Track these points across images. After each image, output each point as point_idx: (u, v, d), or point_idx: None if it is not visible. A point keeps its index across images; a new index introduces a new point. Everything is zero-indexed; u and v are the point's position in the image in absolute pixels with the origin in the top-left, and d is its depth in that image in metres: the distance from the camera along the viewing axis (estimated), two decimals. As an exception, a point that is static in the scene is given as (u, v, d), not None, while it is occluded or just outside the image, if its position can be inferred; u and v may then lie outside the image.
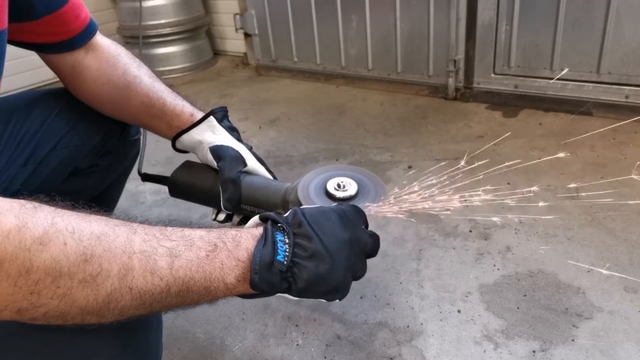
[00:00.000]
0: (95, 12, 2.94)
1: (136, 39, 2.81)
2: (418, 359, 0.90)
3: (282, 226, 0.54)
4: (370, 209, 0.67)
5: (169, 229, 0.51)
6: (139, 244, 0.46)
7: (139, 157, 1.04)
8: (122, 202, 1.17)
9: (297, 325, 0.99)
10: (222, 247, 0.51)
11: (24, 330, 0.43)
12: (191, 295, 0.49)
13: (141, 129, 1.01)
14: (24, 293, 0.41)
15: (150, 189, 1.57)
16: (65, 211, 0.45)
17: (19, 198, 0.43)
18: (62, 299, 0.42)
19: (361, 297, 1.05)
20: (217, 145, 0.84)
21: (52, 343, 0.48)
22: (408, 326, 0.97)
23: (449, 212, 0.69)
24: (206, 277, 0.49)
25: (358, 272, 0.58)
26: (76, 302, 0.43)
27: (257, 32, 2.64)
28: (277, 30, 2.55)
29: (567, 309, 0.97)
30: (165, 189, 0.96)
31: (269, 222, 0.55)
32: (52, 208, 0.44)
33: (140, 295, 0.46)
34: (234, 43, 3.02)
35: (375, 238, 0.60)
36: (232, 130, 0.88)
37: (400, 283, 1.08)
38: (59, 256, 0.41)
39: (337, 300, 0.57)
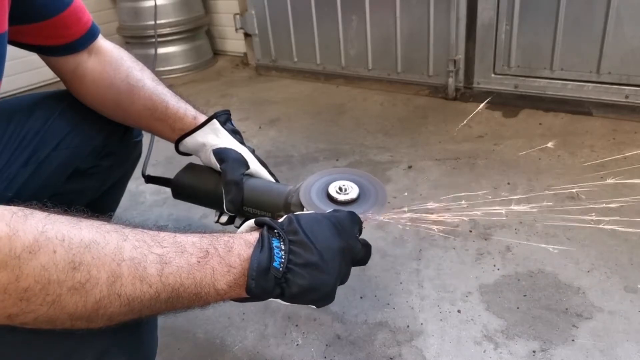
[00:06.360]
0: (95, 12, 2.94)
1: (136, 39, 2.81)
2: (418, 359, 0.90)
3: (278, 232, 0.54)
4: (369, 218, 0.67)
5: (162, 234, 0.51)
6: (129, 251, 0.47)
7: (144, 159, 1.04)
8: (123, 202, 1.17)
9: (297, 325, 1.00)
10: (214, 253, 0.51)
11: (10, 326, 0.44)
12: (181, 301, 0.50)
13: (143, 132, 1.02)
14: (14, 299, 0.41)
15: (151, 189, 1.57)
16: (57, 218, 0.45)
17: (11, 205, 0.44)
18: (51, 305, 0.43)
19: (361, 297, 1.05)
20: (220, 148, 0.84)
21: (39, 338, 0.49)
22: (408, 326, 0.97)
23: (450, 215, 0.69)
24: (197, 283, 0.49)
25: (345, 279, 0.59)
26: (65, 309, 0.44)
27: (257, 32, 2.64)
28: (277, 30, 2.55)
29: (567, 309, 0.97)
30: (165, 189, 0.96)
31: (265, 227, 0.55)
32: (44, 215, 0.45)
33: (129, 302, 0.46)
34: (234, 43, 3.02)
35: (367, 248, 0.61)
36: (235, 133, 0.88)
37: (400, 283, 1.08)
38: (49, 264, 0.42)
39: (325, 307, 0.58)
